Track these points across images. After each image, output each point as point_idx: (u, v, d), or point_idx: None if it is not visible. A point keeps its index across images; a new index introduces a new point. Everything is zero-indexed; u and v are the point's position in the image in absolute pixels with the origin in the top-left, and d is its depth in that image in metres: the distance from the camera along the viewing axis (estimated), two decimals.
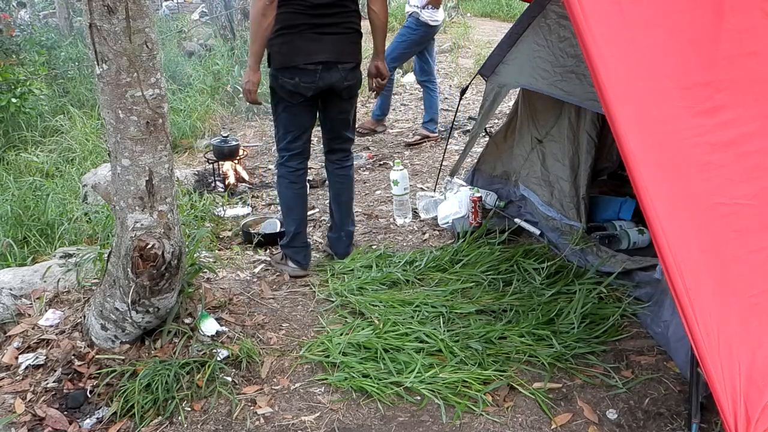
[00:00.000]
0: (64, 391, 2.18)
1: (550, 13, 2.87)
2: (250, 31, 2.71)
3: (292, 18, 2.70)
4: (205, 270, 2.85)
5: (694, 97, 1.70)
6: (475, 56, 9.02)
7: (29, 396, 2.17)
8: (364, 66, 2.99)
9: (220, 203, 4.04)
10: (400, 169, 3.65)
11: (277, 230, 3.44)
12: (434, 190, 4.01)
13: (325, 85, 2.80)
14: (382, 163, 4.92)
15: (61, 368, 2.25)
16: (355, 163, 5.00)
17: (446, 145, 4.28)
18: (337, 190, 3.16)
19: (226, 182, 4.48)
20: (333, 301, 2.78)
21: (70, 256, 2.83)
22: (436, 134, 5.42)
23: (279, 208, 3.39)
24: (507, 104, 5.42)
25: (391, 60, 5.05)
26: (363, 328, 2.51)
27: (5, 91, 5.57)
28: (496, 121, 5.32)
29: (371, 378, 2.23)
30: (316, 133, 3.15)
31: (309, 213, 3.91)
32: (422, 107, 6.00)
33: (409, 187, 3.71)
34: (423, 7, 4.88)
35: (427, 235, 3.49)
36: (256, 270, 3.16)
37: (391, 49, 5.07)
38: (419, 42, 5.13)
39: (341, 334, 2.48)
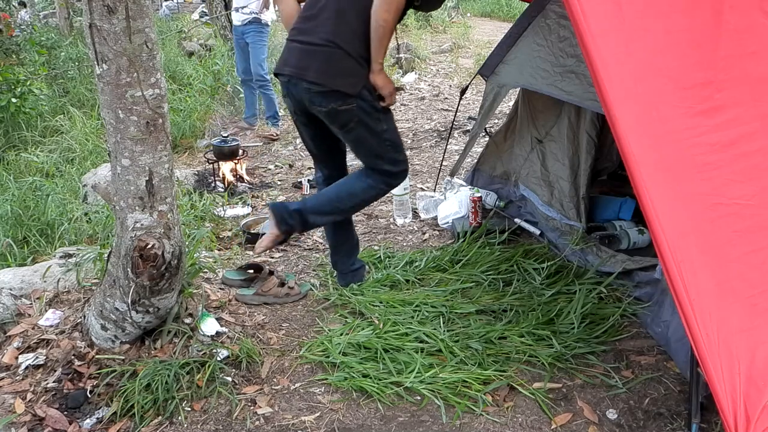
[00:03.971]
0: (64, 391, 2.18)
1: (550, 13, 2.87)
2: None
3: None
4: (205, 270, 2.85)
5: (694, 97, 1.70)
6: (475, 56, 9.03)
7: (29, 396, 2.17)
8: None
9: (220, 203, 4.04)
10: None
11: None
12: (434, 190, 4.01)
13: (297, 103, 2.48)
14: None
15: (61, 368, 2.25)
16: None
17: (446, 145, 4.28)
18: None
19: (225, 181, 4.48)
20: (333, 301, 2.78)
21: (70, 256, 2.82)
22: (277, 129, 6.05)
23: None
24: (507, 104, 5.42)
25: (263, 65, 5.92)
26: (363, 328, 2.51)
27: (5, 91, 5.58)
28: (496, 121, 5.32)
29: (371, 378, 2.22)
30: None
31: None
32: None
33: (409, 187, 3.71)
34: (261, 12, 5.77)
35: (427, 235, 3.48)
36: None
37: (258, 57, 5.93)
38: (266, 41, 5.98)
39: (341, 334, 2.48)
